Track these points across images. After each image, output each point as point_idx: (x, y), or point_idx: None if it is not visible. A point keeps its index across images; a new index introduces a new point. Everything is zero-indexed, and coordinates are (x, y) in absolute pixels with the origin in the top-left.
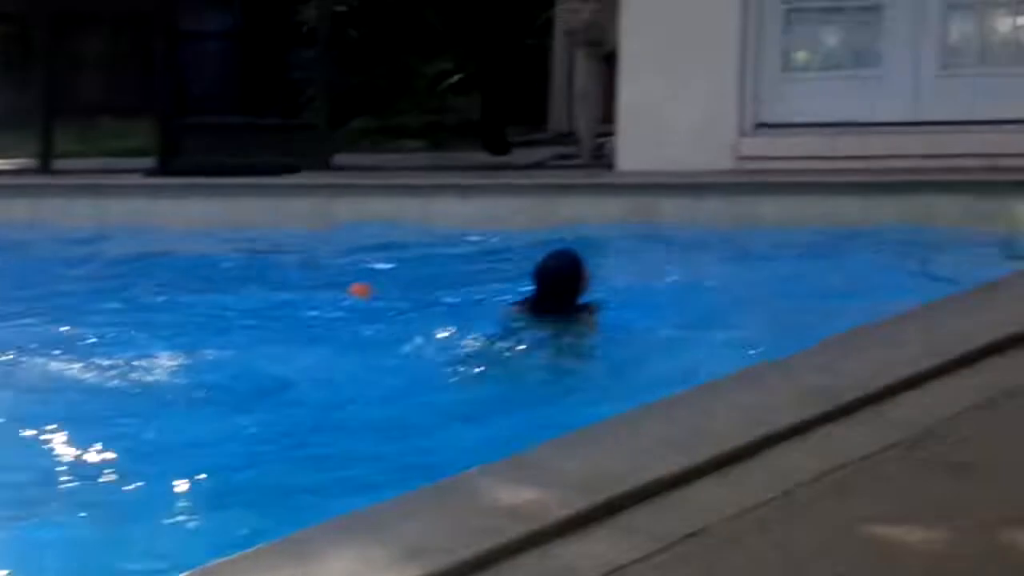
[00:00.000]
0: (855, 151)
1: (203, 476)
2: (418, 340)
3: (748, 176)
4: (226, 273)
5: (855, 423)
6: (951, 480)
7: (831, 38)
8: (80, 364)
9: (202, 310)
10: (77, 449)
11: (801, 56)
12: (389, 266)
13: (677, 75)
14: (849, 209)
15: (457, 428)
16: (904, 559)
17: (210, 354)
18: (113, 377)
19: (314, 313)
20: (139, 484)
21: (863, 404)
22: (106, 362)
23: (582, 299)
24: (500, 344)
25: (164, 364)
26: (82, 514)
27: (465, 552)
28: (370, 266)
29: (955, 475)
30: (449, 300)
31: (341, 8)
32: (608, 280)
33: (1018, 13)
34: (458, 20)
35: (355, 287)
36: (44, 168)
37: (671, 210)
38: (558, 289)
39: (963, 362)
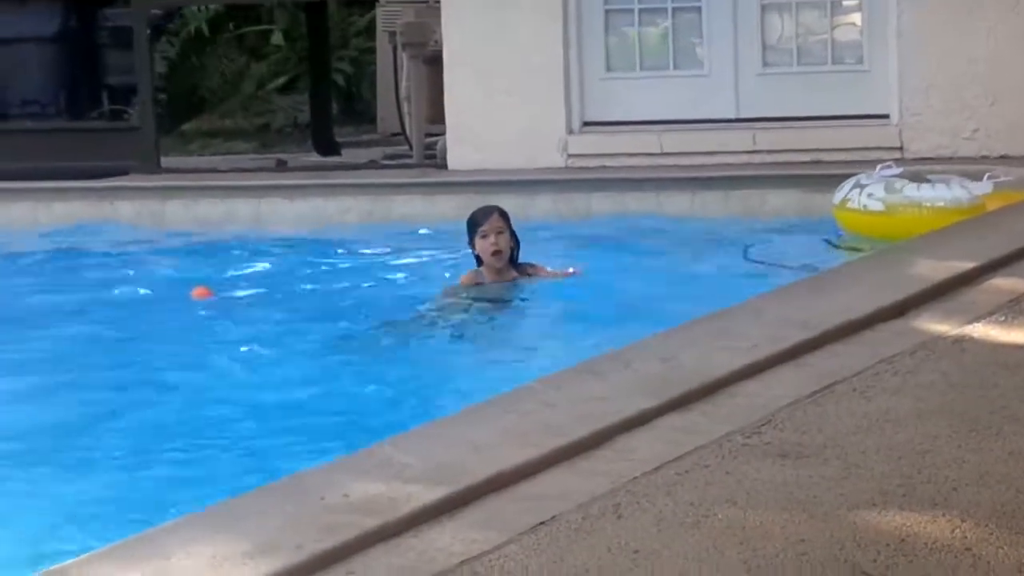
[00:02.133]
0: (681, 148)
1: (55, 471)
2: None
3: (578, 173)
4: (55, 274)
5: (695, 412)
6: (792, 467)
7: (652, 38)
8: None
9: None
10: None
11: (623, 56)
12: (224, 267)
13: (502, 75)
14: (679, 204)
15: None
16: (758, 543)
17: (64, 355)
18: None
19: (154, 311)
20: None
21: (702, 394)
22: None
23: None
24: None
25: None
26: None
27: (316, 547)
28: (204, 267)
29: (795, 462)
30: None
31: (158, 12)
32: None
33: (834, 13)
34: (285, 23)
35: (196, 290)
36: None
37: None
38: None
39: (800, 350)
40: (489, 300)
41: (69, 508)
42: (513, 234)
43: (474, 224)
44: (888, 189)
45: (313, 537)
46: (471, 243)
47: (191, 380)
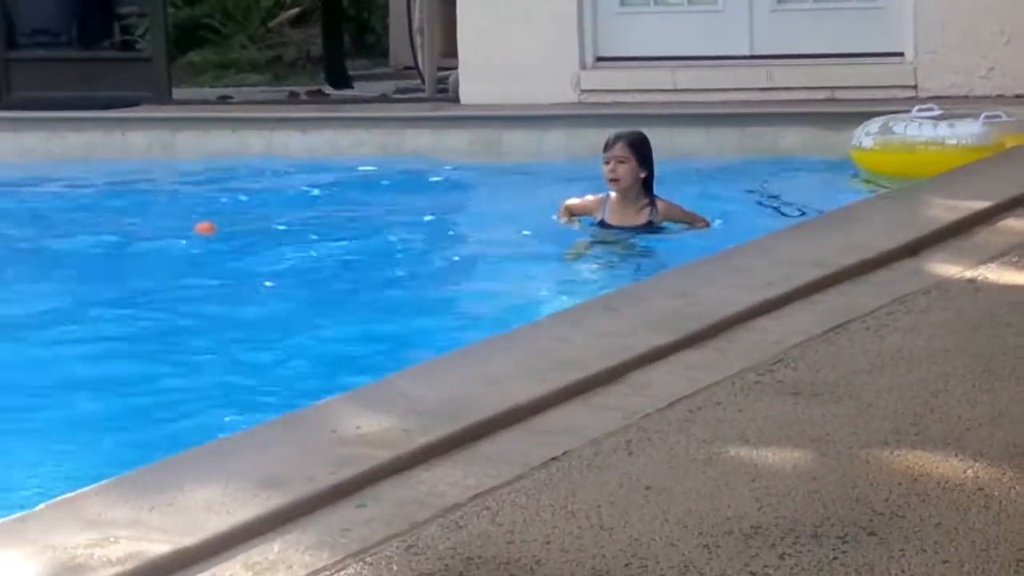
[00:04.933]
0: (695, 84)
1: (66, 402)
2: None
3: (591, 109)
4: (67, 207)
5: (709, 348)
6: (804, 405)
7: None
8: None
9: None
10: None
11: None
12: (234, 199)
13: (516, 9)
14: (692, 141)
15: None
16: (771, 480)
17: (68, 290)
18: None
19: (162, 245)
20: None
21: (717, 331)
22: None
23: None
24: None
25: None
26: None
27: (328, 479)
28: (214, 199)
29: (808, 400)
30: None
31: None
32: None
33: None
34: None
35: (200, 225)
36: None
37: (516, 142)
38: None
39: (814, 288)
40: (607, 248)
41: (78, 439)
42: (646, 163)
43: (604, 148)
44: (899, 128)
45: (325, 469)
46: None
47: (212, 314)
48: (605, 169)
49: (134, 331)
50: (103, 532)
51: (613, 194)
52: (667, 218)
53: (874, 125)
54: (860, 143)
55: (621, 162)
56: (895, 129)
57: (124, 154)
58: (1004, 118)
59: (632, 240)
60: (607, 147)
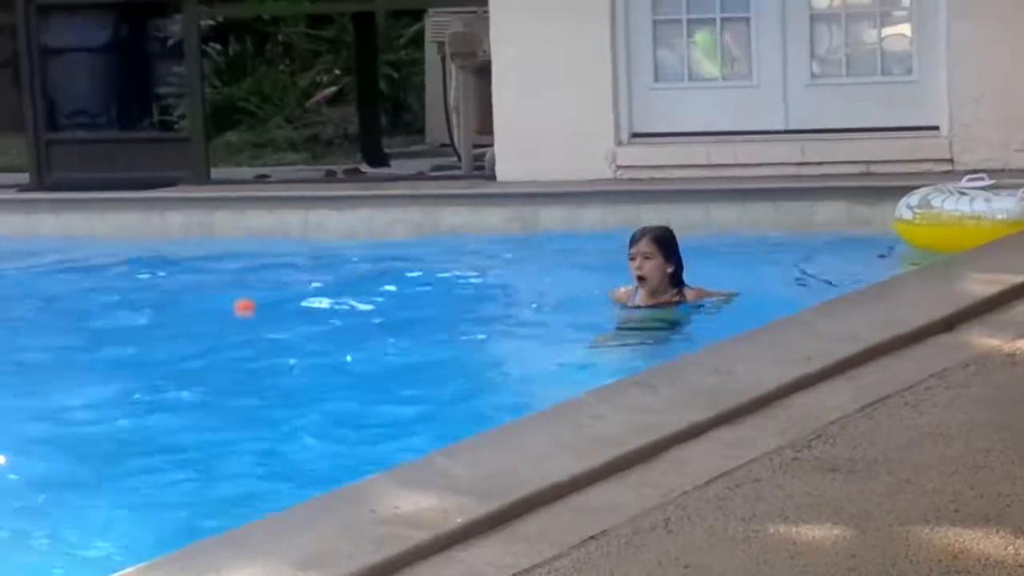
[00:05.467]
0: (730, 160)
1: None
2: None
3: (627, 185)
4: (110, 286)
5: (747, 425)
6: (842, 481)
7: (701, 49)
8: None
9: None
10: None
11: (671, 67)
12: (274, 278)
13: (551, 86)
14: (727, 216)
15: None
16: (810, 557)
17: (107, 367)
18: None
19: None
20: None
21: (755, 407)
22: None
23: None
24: None
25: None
26: None
27: (367, 559)
28: (252, 278)
29: (846, 476)
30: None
31: (208, 23)
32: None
33: (883, 23)
34: (331, 33)
35: (240, 303)
36: None
37: (552, 219)
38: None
39: (850, 364)
40: (632, 327)
41: (119, 521)
42: (673, 257)
43: (629, 243)
44: (937, 202)
45: (364, 549)
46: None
47: (252, 392)
48: (631, 265)
49: (178, 410)
50: None
51: (639, 295)
52: (697, 301)
53: (914, 198)
54: (901, 215)
55: (647, 258)
56: (933, 203)
57: (162, 234)
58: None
59: (663, 315)
60: (632, 242)
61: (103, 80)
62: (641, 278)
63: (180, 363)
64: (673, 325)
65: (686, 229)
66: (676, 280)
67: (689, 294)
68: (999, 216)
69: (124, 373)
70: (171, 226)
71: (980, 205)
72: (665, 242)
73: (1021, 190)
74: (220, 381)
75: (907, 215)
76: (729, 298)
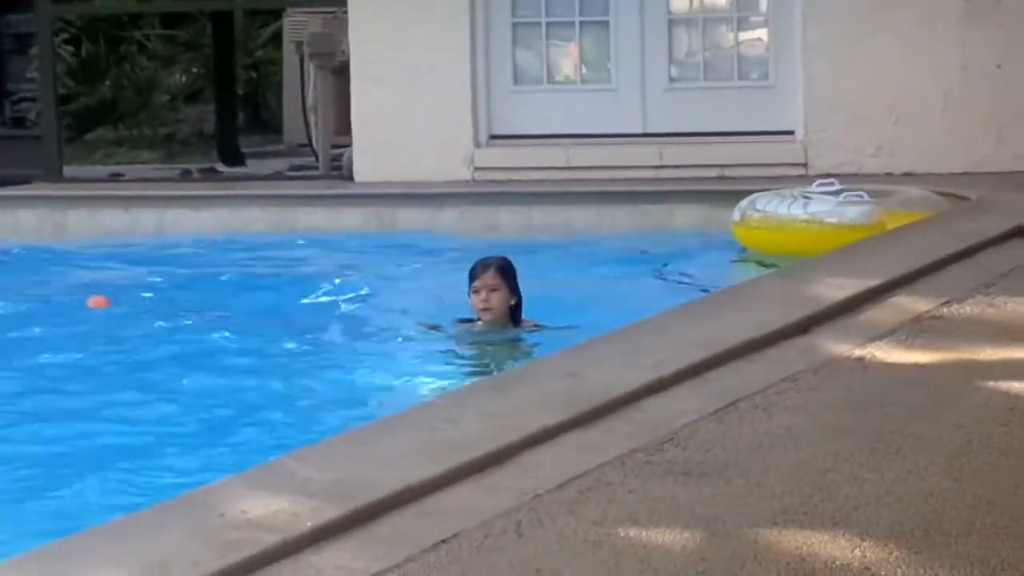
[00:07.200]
0: (589, 162)
1: None
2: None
3: (485, 187)
4: None
5: (599, 429)
6: (694, 485)
7: (560, 52)
8: None
9: None
10: None
11: (530, 70)
12: (126, 276)
13: (410, 87)
14: (586, 218)
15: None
16: (661, 561)
17: None
18: None
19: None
20: None
21: (607, 410)
22: None
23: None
24: None
25: None
26: None
27: (213, 564)
28: (106, 276)
29: (697, 479)
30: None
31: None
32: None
33: (740, 28)
34: (187, 37)
35: (93, 300)
36: None
37: (410, 220)
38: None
39: (703, 367)
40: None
41: None
42: (514, 290)
43: (470, 276)
44: (783, 206)
45: (211, 554)
46: (469, 293)
47: (88, 391)
48: (475, 299)
49: (24, 409)
50: None
51: (480, 324)
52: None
53: (745, 201)
54: (733, 217)
55: (494, 290)
56: (759, 206)
57: (13, 233)
58: (864, 198)
59: (508, 335)
60: (475, 275)
61: None
62: (488, 309)
63: (29, 360)
64: (518, 340)
65: (545, 231)
66: (516, 314)
67: (527, 326)
68: (829, 220)
69: None
70: (23, 224)
71: (814, 208)
72: (510, 273)
73: (844, 194)
74: (70, 381)
75: (737, 217)
76: (568, 332)
